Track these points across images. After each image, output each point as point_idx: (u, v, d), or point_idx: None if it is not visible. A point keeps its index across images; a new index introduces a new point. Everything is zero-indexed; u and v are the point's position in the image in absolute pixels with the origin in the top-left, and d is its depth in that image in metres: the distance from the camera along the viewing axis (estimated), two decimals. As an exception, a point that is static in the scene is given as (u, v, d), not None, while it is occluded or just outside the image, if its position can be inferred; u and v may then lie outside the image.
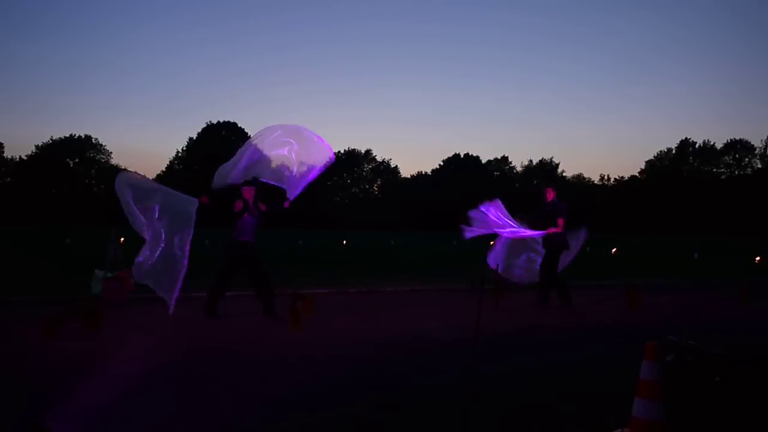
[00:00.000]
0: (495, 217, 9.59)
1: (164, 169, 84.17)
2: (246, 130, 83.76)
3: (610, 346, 6.92)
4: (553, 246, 9.72)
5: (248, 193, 8.18)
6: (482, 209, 9.61)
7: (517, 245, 10.17)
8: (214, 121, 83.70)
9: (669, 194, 79.58)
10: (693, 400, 4.04)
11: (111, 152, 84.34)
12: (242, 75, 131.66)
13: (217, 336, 7.06)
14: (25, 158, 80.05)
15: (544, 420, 4.29)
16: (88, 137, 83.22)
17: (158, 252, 7.23)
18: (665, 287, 13.17)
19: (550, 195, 9.93)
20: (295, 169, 8.19)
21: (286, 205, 8.27)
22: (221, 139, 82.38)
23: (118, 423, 4.09)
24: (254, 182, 8.25)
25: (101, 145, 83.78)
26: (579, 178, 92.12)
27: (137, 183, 7.59)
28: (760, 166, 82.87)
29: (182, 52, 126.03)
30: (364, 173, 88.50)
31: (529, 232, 9.63)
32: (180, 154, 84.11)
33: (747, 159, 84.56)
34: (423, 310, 9.52)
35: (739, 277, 13.32)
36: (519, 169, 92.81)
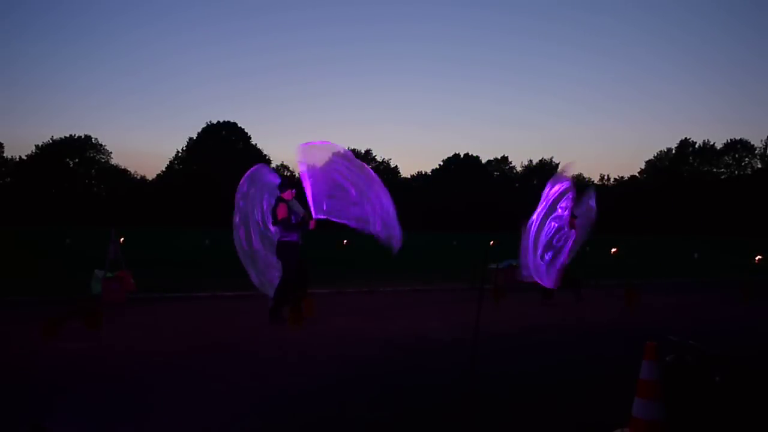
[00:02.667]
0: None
1: (164, 169, 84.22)
2: (246, 130, 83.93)
3: (610, 346, 6.92)
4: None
5: (289, 195, 8.05)
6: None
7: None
8: (214, 121, 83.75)
9: (669, 194, 79.58)
10: (693, 400, 4.04)
11: (111, 152, 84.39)
12: (242, 75, 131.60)
13: (217, 336, 7.06)
14: (25, 158, 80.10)
15: (543, 420, 4.29)
16: (88, 137, 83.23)
17: None
18: (665, 287, 13.17)
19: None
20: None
21: (311, 226, 8.05)
22: (221, 139, 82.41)
23: (118, 423, 4.09)
24: (296, 184, 8.17)
25: (101, 145, 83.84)
26: (579, 178, 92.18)
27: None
28: (760, 166, 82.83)
29: (182, 52, 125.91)
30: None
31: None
32: (180, 154, 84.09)
33: (747, 159, 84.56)
34: (423, 310, 9.53)
35: (739, 277, 13.32)
36: (519, 169, 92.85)
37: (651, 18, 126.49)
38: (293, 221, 7.94)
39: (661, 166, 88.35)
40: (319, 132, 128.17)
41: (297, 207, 8.08)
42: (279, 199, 8.00)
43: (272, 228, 8.22)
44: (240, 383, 5.05)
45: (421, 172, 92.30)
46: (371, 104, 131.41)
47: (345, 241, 26.93)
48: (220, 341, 6.78)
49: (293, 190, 8.13)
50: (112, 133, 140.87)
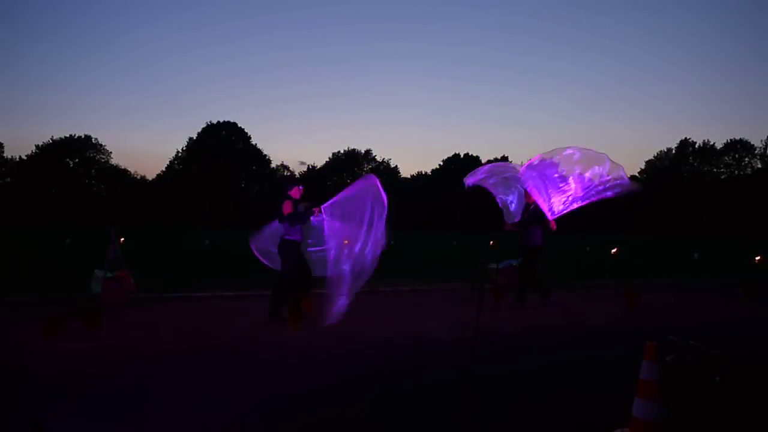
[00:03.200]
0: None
1: (164, 169, 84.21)
2: (246, 130, 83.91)
3: (610, 346, 6.91)
4: (531, 247, 9.72)
5: (296, 192, 8.12)
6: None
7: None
8: (214, 121, 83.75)
9: (669, 194, 79.56)
10: (693, 400, 4.04)
11: (111, 152, 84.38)
12: (242, 75, 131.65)
13: (217, 336, 7.06)
14: (25, 158, 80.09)
15: (543, 420, 4.29)
16: (88, 137, 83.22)
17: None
18: (665, 287, 13.17)
19: (530, 198, 9.72)
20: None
21: (316, 213, 8.09)
22: (221, 139, 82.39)
23: (118, 423, 4.09)
24: (301, 182, 8.26)
25: (101, 145, 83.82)
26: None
27: None
28: (760, 166, 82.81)
29: (182, 52, 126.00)
30: (364, 173, 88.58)
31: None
32: (180, 154, 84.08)
33: (747, 159, 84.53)
34: (423, 310, 9.52)
35: (739, 277, 13.32)
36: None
37: (651, 18, 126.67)
38: (298, 215, 7.96)
39: (661, 166, 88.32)
40: (319, 132, 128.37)
41: (301, 207, 8.11)
42: (285, 197, 8.05)
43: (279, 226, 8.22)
44: (240, 383, 5.05)
45: (421, 172, 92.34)
46: (371, 104, 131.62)
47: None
48: (220, 341, 6.78)
49: (300, 187, 8.22)
50: (112, 133, 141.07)
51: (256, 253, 8.61)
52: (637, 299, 9.60)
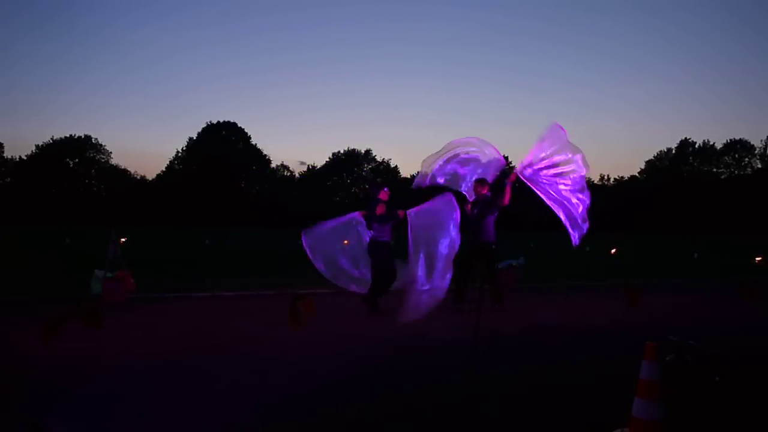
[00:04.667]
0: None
1: (164, 169, 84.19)
2: (246, 130, 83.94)
3: (610, 346, 6.92)
4: (487, 243, 8.98)
5: (385, 195, 8.76)
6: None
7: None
8: (214, 121, 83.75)
9: (669, 194, 79.58)
10: (693, 400, 4.04)
11: (111, 152, 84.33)
12: (242, 75, 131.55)
13: (218, 336, 7.06)
14: (25, 158, 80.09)
15: (543, 420, 4.29)
16: (88, 137, 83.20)
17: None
18: (665, 287, 13.17)
19: (483, 190, 8.70)
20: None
21: (401, 216, 8.48)
22: (221, 139, 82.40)
23: (118, 423, 4.09)
24: (386, 184, 8.62)
25: (101, 145, 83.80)
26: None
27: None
28: (760, 166, 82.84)
29: (182, 52, 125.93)
30: (364, 173, 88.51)
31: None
32: (180, 154, 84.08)
33: (747, 159, 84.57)
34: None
35: (739, 277, 13.32)
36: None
37: (650, 18, 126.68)
38: (387, 218, 8.63)
39: (661, 166, 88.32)
40: (319, 132, 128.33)
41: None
42: (376, 201, 8.73)
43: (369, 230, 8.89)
44: (240, 383, 5.05)
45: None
46: (371, 104, 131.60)
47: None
48: (220, 341, 6.78)
49: (386, 189, 8.84)
50: (112, 133, 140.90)
51: (307, 250, 9.03)
52: (638, 299, 9.60)
